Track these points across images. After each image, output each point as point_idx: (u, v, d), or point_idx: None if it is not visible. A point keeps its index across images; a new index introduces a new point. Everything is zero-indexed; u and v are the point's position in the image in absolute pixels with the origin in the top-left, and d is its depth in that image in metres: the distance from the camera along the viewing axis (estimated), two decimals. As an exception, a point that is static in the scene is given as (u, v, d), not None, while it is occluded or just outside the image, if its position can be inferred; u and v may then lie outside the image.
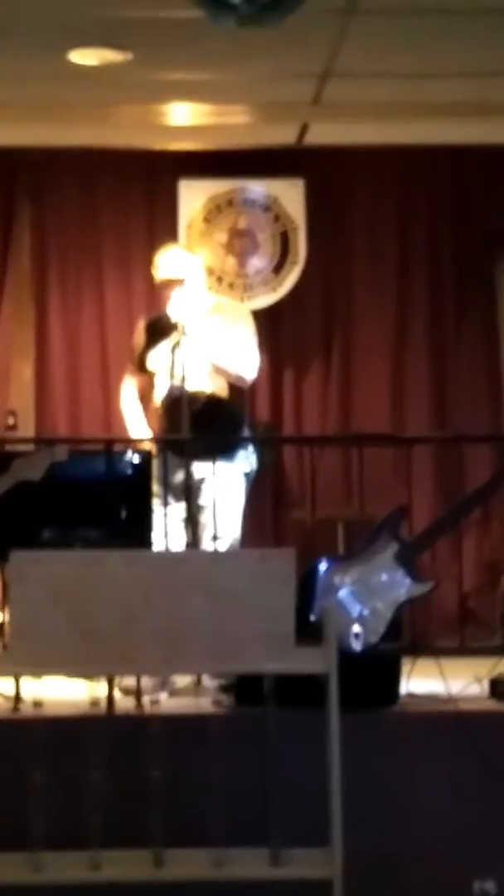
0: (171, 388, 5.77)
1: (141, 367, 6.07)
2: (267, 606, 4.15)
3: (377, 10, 5.44)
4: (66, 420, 7.44)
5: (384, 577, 5.01)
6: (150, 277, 6.27)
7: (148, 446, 5.74)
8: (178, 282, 5.89)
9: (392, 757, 4.64)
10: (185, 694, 5.23)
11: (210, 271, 7.20)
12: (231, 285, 7.45)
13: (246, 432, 6.05)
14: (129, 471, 5.37)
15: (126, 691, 5.02)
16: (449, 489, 6.95)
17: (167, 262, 6.04)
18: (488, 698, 4.96)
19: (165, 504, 5.62)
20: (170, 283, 5.92)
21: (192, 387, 5.73)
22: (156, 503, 5.55)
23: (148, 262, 6.32)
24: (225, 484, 5.74)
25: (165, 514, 5.58)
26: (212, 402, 5.83)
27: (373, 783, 4.54)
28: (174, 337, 5.76)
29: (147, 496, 5.43)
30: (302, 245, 7.49)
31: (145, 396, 6.09)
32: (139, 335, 6.14)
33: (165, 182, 7.46)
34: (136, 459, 5.42)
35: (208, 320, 5.89)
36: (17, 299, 7.49)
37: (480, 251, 7.53)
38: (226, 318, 5.97)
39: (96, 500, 5.24)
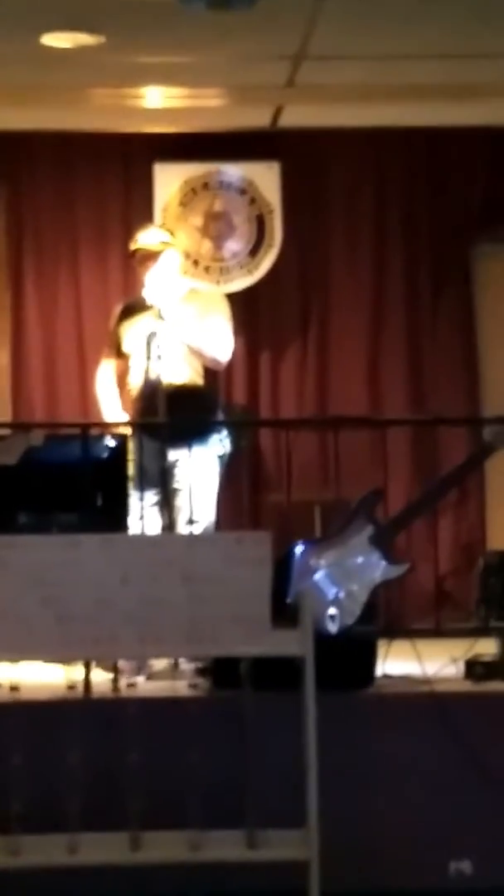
0: (146, 374, 5.76)
1: (117, 350, 6.05)
2: (243, 589, 4.15)
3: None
4: (42, 405, 7.43)
5: (360, 559, 5.02)
6: (126, 261, 6.25)
7: (124, 431, 5.73)
8: (153, 256, 5.89)
9: (368, 738, 4.66)
10: (161, 677, 5.24)
11: (186, 255, 7.19)
12: (207, 269, 7.44)
13: (220, 416, 6.05)
14: (106, 455, 5.36)
15: (104, 672, 5.03)
16: (425, 471, 6.96)
17: (145, 234, 6.06)
18: (464, 680, 4.98)
19: (141, 489, 5.61)
20: (144, 259, 5.92)
21: (167, 371, 5.72)
22: (131, 488, 5.55)
23: (124, 246, 6.31)
24: (199, 467, 5.74)
25: (141, 499, 5.57)
26: (185, 387, 5.83)
27: (349, 765, 4.56)
28: (148, 318, 5.76)
29: (123, 480, 5.42)
30: (278, 228, 7.48)
31: (121, 380, 6.08)
32: (115, 320, 6.13)
33: (141, 165, 7.45)
34: (112, 444, 5.42)
35: (183, 307, 5.88)
36: (-8, 284, 7.48)
37: (456, 233, 7.53)
38: (201, 306, 5.96)
39: (72, 484, 5.23)
